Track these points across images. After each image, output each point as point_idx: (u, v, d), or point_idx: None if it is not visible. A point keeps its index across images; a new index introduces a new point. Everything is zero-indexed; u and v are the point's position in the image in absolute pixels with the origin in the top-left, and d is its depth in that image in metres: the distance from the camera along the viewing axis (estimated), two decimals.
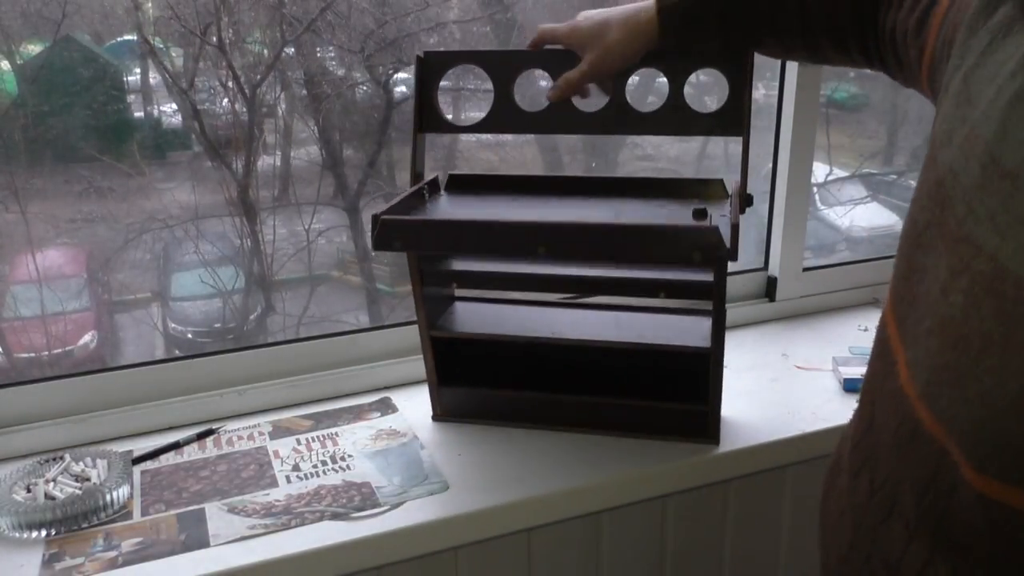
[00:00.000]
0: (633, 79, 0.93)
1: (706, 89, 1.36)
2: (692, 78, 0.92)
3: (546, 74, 0.95)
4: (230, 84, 1.28)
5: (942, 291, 0.49)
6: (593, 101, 0.95)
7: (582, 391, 1.00)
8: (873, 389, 0.59)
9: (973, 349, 0.46)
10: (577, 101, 0.94)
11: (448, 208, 0.97)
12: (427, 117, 0.96)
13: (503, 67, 0.95)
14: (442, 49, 1.39)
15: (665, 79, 0.93)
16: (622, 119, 0.94)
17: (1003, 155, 0.46)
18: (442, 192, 1.03)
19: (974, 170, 0.48)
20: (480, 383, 1.03)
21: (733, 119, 0.90)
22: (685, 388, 0.97)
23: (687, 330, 0.99)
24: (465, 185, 1.03)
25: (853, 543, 0.59)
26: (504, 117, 0.96)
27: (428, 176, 1.00)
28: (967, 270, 0.47)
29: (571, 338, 0.98)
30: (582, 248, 0.84)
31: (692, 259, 0.81)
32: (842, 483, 0.62)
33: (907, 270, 0.54)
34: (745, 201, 0.87)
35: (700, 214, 0.86)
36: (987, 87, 0.49)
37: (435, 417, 1.04)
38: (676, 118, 0.92)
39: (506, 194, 1.01)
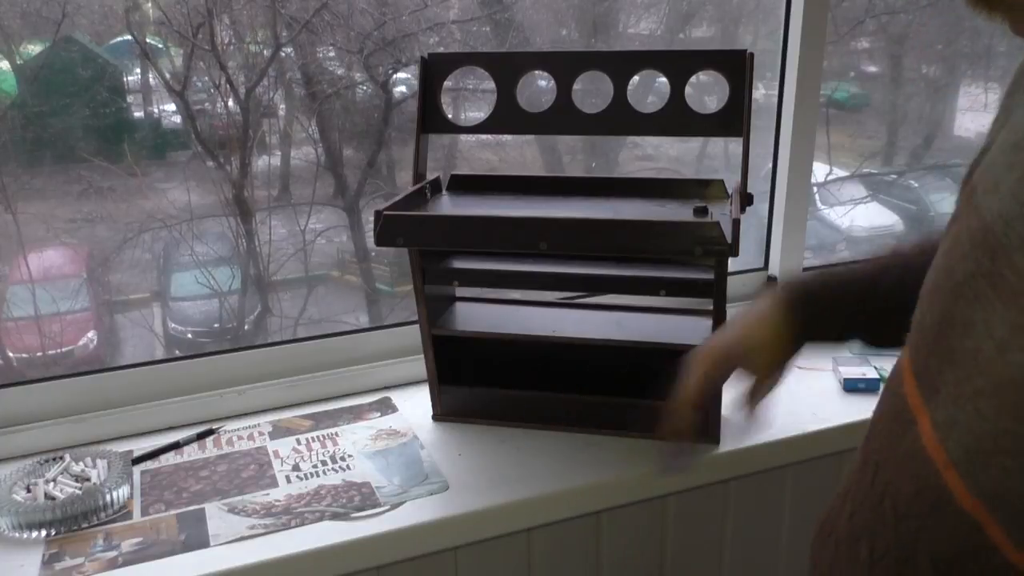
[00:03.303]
0: (633, 80, 0.94)
1: (706, 89, 1.36)
2: (692, 78, 0.93)
3: (546, 74, 0.95)
4: (224, 85, 1.28)
5: (999, 349, 0.44)
6: (594, 102, 0.95)
7: (583, 391, 1.00)
8: (880, 450, 0.54)
9: None
10: (578, 102, 0.94)
11: (450, 207, 0.98)
12: (431, 118, 0.97)
13: (506, 69, 0.96)
14: (442, 49, 1.39)
15: (665, 79, 0.93)
16: (623, 120, 0.94)
17: None
18: (444, 192, 1.03)
19: None
20: (481, 382, 1.03)
21: (733, 120, 0.90)
22: None
23: (688, 329, 0.99)
24: (467, 185, 1.04)
25: None
26: (507, 118, 0.97)
27: (430, 176, 1.00)
28: None
29: (571, 336, 0.98)
30: (584, 243, 0.84)
31: (693, 253, 0.82)
32: (836, 549, 0.58)
33: (942, 323, 0.49)
34: (745, 200, 0.88)
35: (701, 211, 0.86)
36: None
37: (435, 417, 1.04)
38: (676, 119, 0.93)
39: (507, 194, 1.02)
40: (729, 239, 0.80)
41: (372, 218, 0.87)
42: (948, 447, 0.46)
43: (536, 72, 0.97)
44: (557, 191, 1.02)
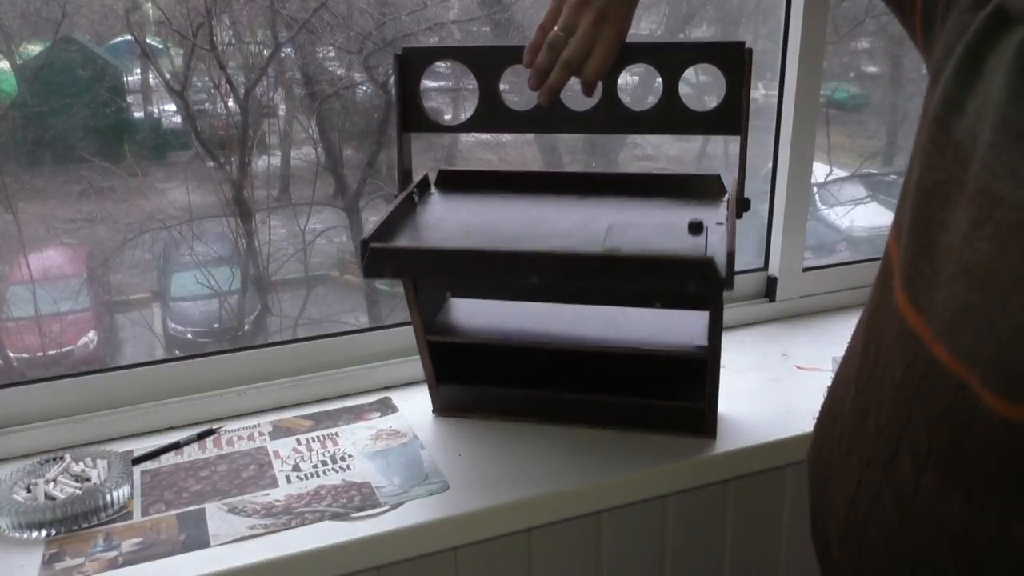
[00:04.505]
0: (632, 79, 0.92)
1: (706, 89, 1.36)
2: (692, 77, 0.90)
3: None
4: (224, 85, 1.28)
5: (964, 240, 0.53)
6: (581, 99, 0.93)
7: (580, 387, 1.00)
8: (879, 335, 0.62)
9: (1002, 289, 0.50)
10: (568, 99, 0.91)
11: (441, 214, 0.95)
12: (410, 116, 0.94)
13: (487, 63, 0.92)
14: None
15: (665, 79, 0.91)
16: (613, 118, 0.91)
17: (1019, 119, 0.52)
18: (433, 191, 1.01)
19: (988, 133, 0.53)
20: (479, 380, 1.03)
21: (730, 118, 0.86)
22: (683, 382, 0.97)
23: (685, 327, 0.98)
24: (456, 183, 1.02)
25: (861, 482, 0.61)
26: (490, 116, 0.93)
27: (420, 174, 0.98)
28: (989, 219, 0.52)
29: (566, 340, 0.98)
30: (574, 277, 0.83)
31: (688, 289, 0.80)
32: (843, 428, 0.65)
33: (922, 224, 0.58)
34: (742, 205, 0.86)
35: (696, 228, 0.84)
36: (998, 60, 0.54)
37: (436, 412, 1.04)
38: (670, 116, 0.89)
39: (499, 192, 1.00)
40: (723, 273, 0.78)
41: (373, 217, 0.86)
42: (932, 323, 0.55)
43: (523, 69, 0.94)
44: (551, 189, 1.00)
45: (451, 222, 0.93)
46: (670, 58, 0.87)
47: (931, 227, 0.57)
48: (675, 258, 0.80)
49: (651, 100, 0.92)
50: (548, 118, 0.91)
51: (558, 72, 0.86)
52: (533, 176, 1.04)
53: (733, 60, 0.85)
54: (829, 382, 1.19)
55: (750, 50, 0.84)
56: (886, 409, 0.59)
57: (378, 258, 0.84)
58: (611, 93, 0.90)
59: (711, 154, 1.61)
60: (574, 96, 0.92)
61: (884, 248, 0.65)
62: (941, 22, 0.61)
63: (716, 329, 0.88)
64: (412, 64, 0.93)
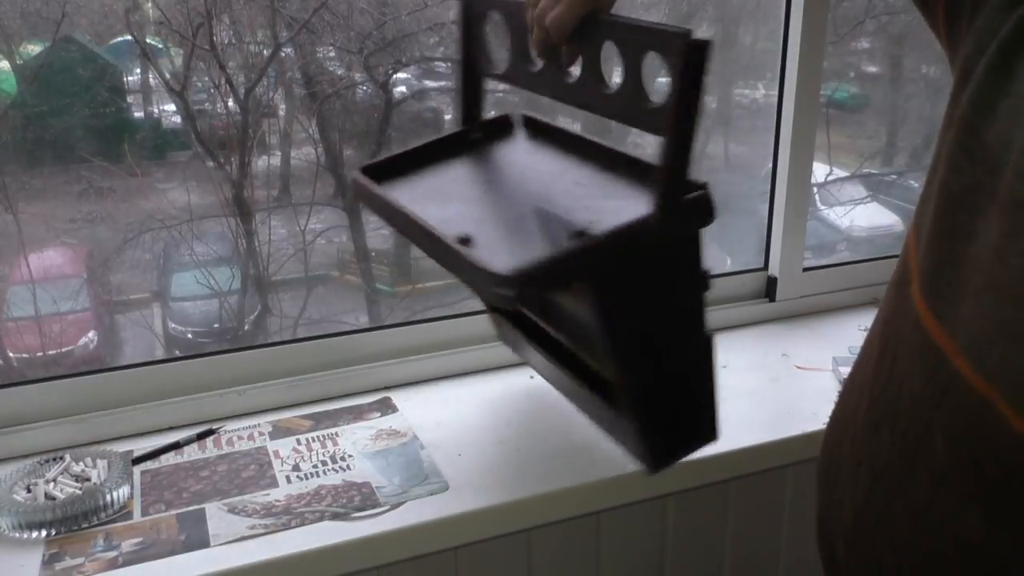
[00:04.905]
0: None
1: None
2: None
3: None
4: (224, 85, 1.28)
5: (995, 252, 0.51)
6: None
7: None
8: (895, 345, 0.60)
9: None
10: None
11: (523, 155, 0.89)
12: (483, 60, 0.88)
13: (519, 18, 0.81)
14: (442, 50, 1.39)
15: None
16: (584, 94, 0.78)
17: None
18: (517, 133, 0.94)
19: (1022, 139, 0.51)
20: None
21: (667, 115, 0.68)
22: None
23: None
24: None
25: (872, 493, 0.60)
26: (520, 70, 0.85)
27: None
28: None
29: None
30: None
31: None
32: (855, 436, 0.63)
33: (947, 231, 0.56)
34: (663, 212, 0.70)
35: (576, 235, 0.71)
36: None
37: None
38: (627, 104, 0.74)
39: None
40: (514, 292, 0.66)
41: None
42: (955, 337, 0.53)
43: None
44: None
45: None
46: (628, 40, 0.73)
47: (957, 236, 0.55)
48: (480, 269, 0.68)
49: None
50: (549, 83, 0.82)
51: (534, 29, 0.79)
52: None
53: (675, 52, 0.66)
54: (829, 382, 1.20)
55: (699, 45, 0.65)
56: (902, 421, 0.58)
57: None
58: (592, 66, 0.78)
59: (711, 154, 1.61)
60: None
61: (902, 249, 0.63)
62: (969, 20, 0.59)
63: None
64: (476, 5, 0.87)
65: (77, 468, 0.90)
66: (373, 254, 1.50)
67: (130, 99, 1.29)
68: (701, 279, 0.79)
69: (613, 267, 0.72)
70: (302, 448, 0.97)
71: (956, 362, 0.53)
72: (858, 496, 0.62)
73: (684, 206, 0.72)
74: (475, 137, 0.93)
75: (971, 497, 0.53)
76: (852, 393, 0.67)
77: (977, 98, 0.55)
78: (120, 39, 1.25)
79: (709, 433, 0.95)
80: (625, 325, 0.77)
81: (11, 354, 1.29)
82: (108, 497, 0.85)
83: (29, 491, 0.86)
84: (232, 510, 0.86)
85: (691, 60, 0.66)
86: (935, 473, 0.55)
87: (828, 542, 0.68)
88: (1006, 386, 0.50)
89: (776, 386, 1.13)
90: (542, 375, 1.06)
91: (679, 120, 0.68)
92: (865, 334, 0.95)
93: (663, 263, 0.76)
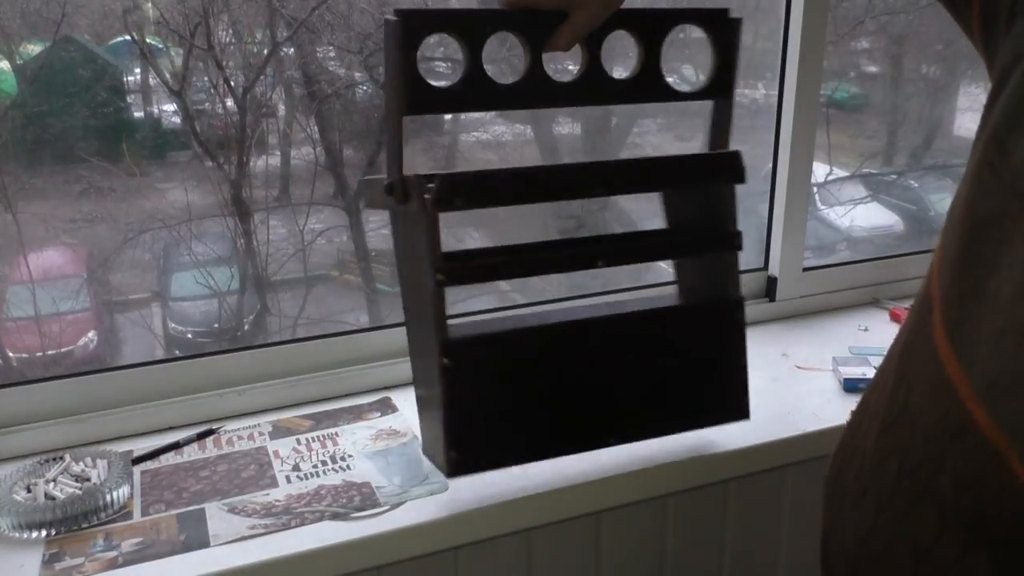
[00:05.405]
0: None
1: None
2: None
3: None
4: (222, 85, 1.28)
5: (1018, 291, 0.47)
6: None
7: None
8: (911, 374, 0.57)
9: None
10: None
11: None
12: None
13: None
14: (442, 49, 1.38)
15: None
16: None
17: None
18: None
19: None
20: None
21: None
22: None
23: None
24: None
25: (875, 525, 0.58)
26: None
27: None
28: None
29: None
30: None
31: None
32: (863, 463, 0.61)
33: (965, 258, 0.52)
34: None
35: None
36: None
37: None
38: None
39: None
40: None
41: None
42: (971, 378, 0.49)
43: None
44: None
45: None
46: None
47: (980, 266, 0.50)
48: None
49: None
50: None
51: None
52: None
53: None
54: (829, 382, 1.19)
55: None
56: (913, 456, 0.55)
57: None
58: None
59: None
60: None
61: (928, 269, 0.58)
62: (1007, 24, 0.54)
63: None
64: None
65: (77, 468, 0.90)
66: (373, 254, 1.50)
67: (130, 99, 1.29)
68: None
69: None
70: (302, 448, 0.97)
71: (969, 405, 0.49)
72: (861, 527, 0.59)
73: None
74: None
75: (977, 544, 0.50)
76: (865, 416, 0.64)
77: (1011, 111, 0.51)
78: (120, 39, 1.25)
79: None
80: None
81: (11, 354, 1.29)
82: (108, 497, 0.85)
83: (29, 491, 0.86)
84: (232, 510, 0.86)
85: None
86: (942, 514, 0.52)
87: (830, 559, 0.65)
88: (1021, 442, 0.46)
89: (776, 386, 1.13)
90: None
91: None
92: (865, 334, 0.94)
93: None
